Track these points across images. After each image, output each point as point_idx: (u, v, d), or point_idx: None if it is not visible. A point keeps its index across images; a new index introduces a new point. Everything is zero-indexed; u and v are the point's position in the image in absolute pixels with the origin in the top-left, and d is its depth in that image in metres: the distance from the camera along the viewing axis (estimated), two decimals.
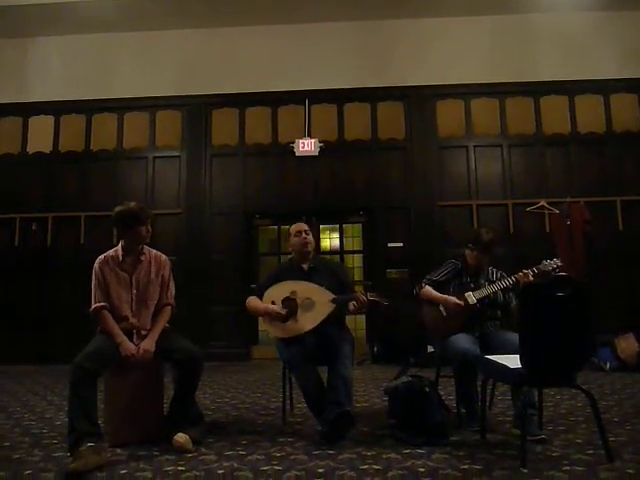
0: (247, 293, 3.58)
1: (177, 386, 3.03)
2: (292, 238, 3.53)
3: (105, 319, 2.99)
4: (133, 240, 3.09)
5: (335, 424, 2.87)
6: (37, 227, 7.00)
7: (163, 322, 3.11)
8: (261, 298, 3.40)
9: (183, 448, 2.74)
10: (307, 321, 3.22)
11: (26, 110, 7.32)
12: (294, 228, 3.55)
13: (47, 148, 7.28)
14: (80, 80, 7.26)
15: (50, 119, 7.33)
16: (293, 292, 3.31)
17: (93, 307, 3.03)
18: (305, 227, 3.54)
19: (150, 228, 3.13)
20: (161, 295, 3.16)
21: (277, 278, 3.45)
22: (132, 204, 3.09)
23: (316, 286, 3.30)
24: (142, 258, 3.12)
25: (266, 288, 3.42)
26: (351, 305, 3.22)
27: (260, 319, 3.66)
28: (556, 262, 3.34)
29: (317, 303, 3.24)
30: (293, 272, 3.47)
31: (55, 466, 2.56)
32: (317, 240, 7.00)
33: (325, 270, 3.50)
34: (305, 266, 3.49)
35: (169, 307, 3.18)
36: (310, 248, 3.49)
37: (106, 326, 2.98)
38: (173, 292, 3.23)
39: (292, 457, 2.65)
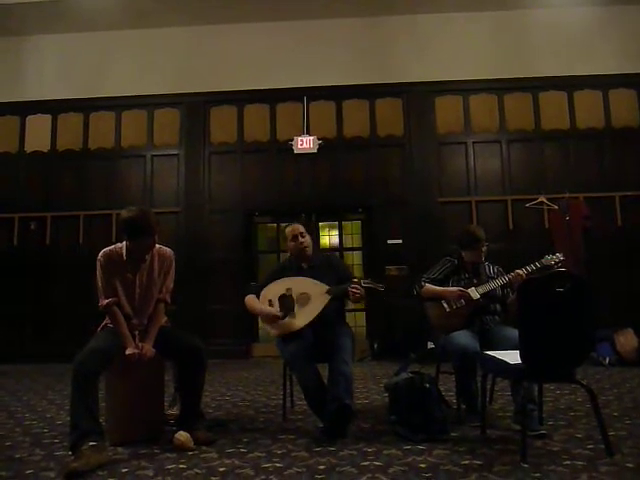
0: (247, 291, 3.55)
1: (185, 383, 3.01)
2: (289, 242, 3.48)
3: (115, 316, 2.93)
4: (138, 249, 2.96)
5: (335, 418, 2.88)
6: (36, 226, 7.00)
7: (159, 321, 3.06)
8: (259, 296, 3.39)
9: (184, 446, 2.73)
10: (304, 316, 3.23)
11: (23, 109, 7.31)
12: (289, 232, 3.47)
13: (45, 147, 7.27)
14: (77, 78, 7.25)
15: (47, 118, 7.32)
16: (288, 289, 3.31)
17: (105, 302, 2.94)
18: (300, 229, 3.46)
19: (157, 238, 2.96)
20: (160, 290, 3.10)
21: (278, 276, 3.44)
22: (135, 214, 2.85)
23: (310, 280, 3.31)
24: (146, 257, 3.02)
25: (264, 286, 3.41)
26: (350, 295, 3.18)
27: (259, 318, 3.65)
28: (558, 257, 3.36)
29: (313, 296, 3.25)
30: (293, 270, 3.47)
31: (56, 465, 2.55)
32: (316, 237, 7.01)
33: (324, 266, 3.50)
34: (305, 264, 3.49)
35: (162, 304, 3.09)
36: (308, 250, 3.46)
37: (115, 323, 2.94)
38: (170, 287, 3.14)
39: (293, 454, 2.65)
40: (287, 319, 3.25)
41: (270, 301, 3.33)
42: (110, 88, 7.17)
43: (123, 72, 7.21)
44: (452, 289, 3.41)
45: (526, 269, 3.30)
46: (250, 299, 3.42)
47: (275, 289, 3.36)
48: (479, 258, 3.47)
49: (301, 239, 3.43)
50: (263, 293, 3.39)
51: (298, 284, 3.32)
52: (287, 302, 3.29)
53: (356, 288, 3.15)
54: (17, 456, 2.72)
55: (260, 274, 6.99)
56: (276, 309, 3.27)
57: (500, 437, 2.88)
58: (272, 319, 3.26)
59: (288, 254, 3.63)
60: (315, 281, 3.29)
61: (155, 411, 3.07)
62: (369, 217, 7.11)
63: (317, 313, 3.21)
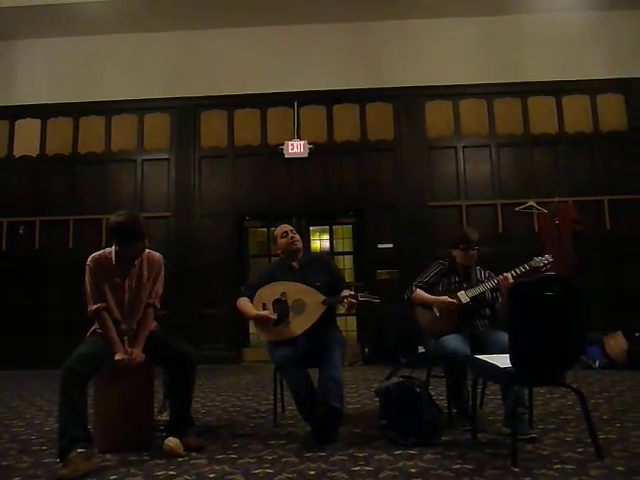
0: (238, 295, 3.52)
1: (174, 389, 2.98)
2: (279, 240, 3.51)
3: (104, 321, 2.91)
4: (127, 253, 2.94)
5: (324, 421, 2.87)
6: (24, 231, 6.95)
7: (148, 326, 3.03)
8: (252, 299, 3.36)
9: (174, 452, 2.71)
10: (299, 324, 3.19)
11: (12, 113, 7.26)
12: (279, 230, 3.54)
13: (34, 151, 7.22)
14: (67, 83, 7.21)
15: (37, 122, 7.27)
16: (284, 294, 3.28)
17: (94, 307, 2.91)
18: (289, 227, 3.54)
19: (147, 242, 2.95)
20: (149, 295, 3.07)
21: (269, 277, 3.43)
22: (124, 218, 2.84)
23: (307, 287, 3.27)
24: (135, 262, 3.00)
25: (257, 288, 3.38)
26: (344, 304, 3.18)
27: (251, 322, 3.63)
28: (547, 258, 3.37)
29: (308, 305, 3.22)
30: (284, 271, 3.45)
31: (44, 473, 2.52)
32: (307, 242, 7.00)
33: (315, 266, 3.49)
34: (295, 264, 3.47)
35: (151, 309, 3.07)
36: (299, 245, 3.48)
37: (104, 329, 2.91)
38: (160, 292, 3.12)
39: (284, 460, 2.64)
40: (281, 326, 3.22)
41: (264, 304, 3.29)
42: (100, 92, 7.13)
43: (113, 76, 7.18)
44: (442, 298, 3.39)
45: (515, 271, 3.32)
46: (243, 302, 3.39)
47: (269, 292, 3.32)
48: (470, 261, 3.48)
49: (291, 234, 3.47)
50: (257, 295, 3.35)
51: (293, 289, 3.28)
52: (282, 308, 3.25)
53: (352, 302, 3.13)
54: (4, 463, 2.68)
55: (251, 278, 6.95)
56: (271, 312, 3.24)
57: (491, 441, 2.89)
58: (267, 322, 3.22)
59: (279, 256, 3.61)
60: (311, 289, 3.25)
61: (144, 417, 3.04)
62: (360, 221, 7.12)
63: (312, 323, 3.18)
